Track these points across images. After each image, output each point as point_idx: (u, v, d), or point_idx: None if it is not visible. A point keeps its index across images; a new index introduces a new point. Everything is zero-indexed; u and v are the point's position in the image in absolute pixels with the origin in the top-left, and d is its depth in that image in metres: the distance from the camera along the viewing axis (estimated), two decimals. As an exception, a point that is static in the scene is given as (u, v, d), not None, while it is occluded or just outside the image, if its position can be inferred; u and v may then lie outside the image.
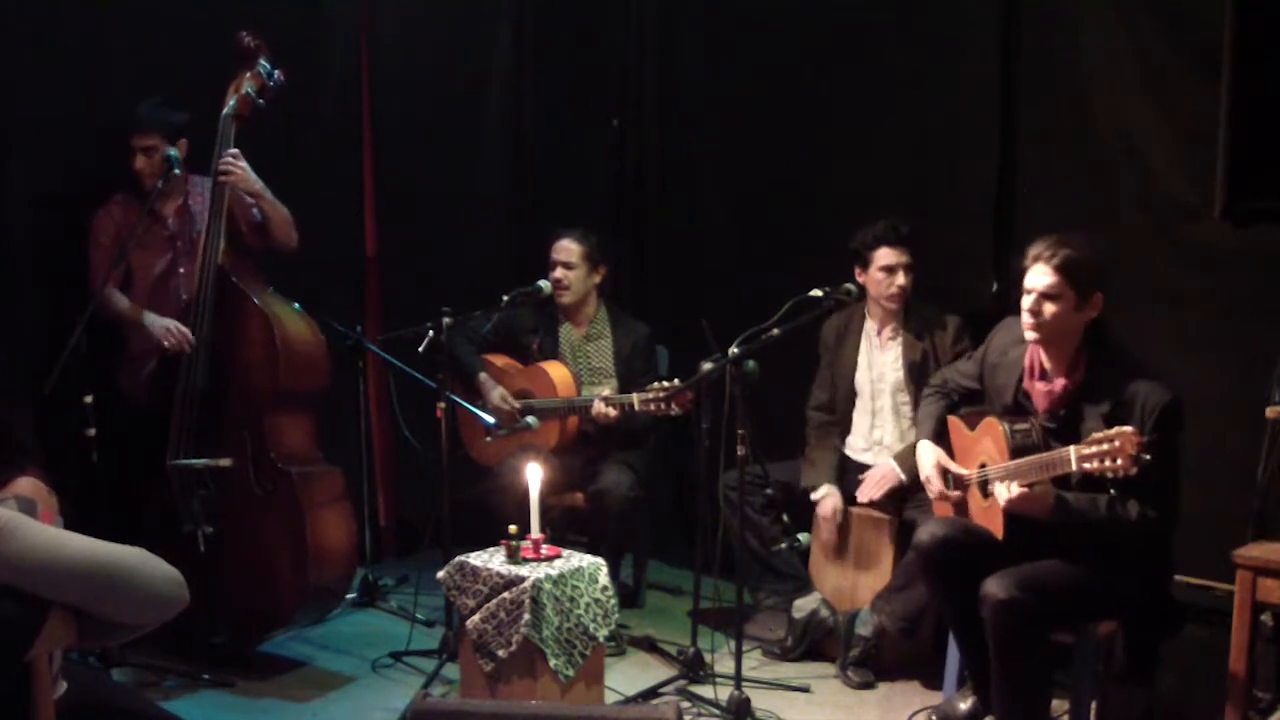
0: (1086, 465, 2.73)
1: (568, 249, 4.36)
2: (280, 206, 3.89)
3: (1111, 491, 2.87)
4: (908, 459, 3.77)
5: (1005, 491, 2.91)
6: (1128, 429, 2.67)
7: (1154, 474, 2.76)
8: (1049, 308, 2.96)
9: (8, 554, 1.72)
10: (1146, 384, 2.93)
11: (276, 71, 3.86)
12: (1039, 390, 3.07)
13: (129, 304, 3.85)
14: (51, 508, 1.99)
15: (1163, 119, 3.69)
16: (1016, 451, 3.00)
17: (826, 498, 3.94)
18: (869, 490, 3.85)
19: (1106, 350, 3.02)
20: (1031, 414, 3.09)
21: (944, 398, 3.44)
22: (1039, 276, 2.97)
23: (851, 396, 4.08)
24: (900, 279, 3.90)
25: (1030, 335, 3.03)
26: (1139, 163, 3.75)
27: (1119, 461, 2.66)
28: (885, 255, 3.90)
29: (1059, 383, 3.03)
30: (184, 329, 3.72)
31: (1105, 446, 2.68)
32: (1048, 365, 3.06)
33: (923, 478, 3.34)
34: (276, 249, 3.94)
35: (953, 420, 3.36)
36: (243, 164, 3.78)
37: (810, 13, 4.65)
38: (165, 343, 3.71)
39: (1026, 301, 2.99)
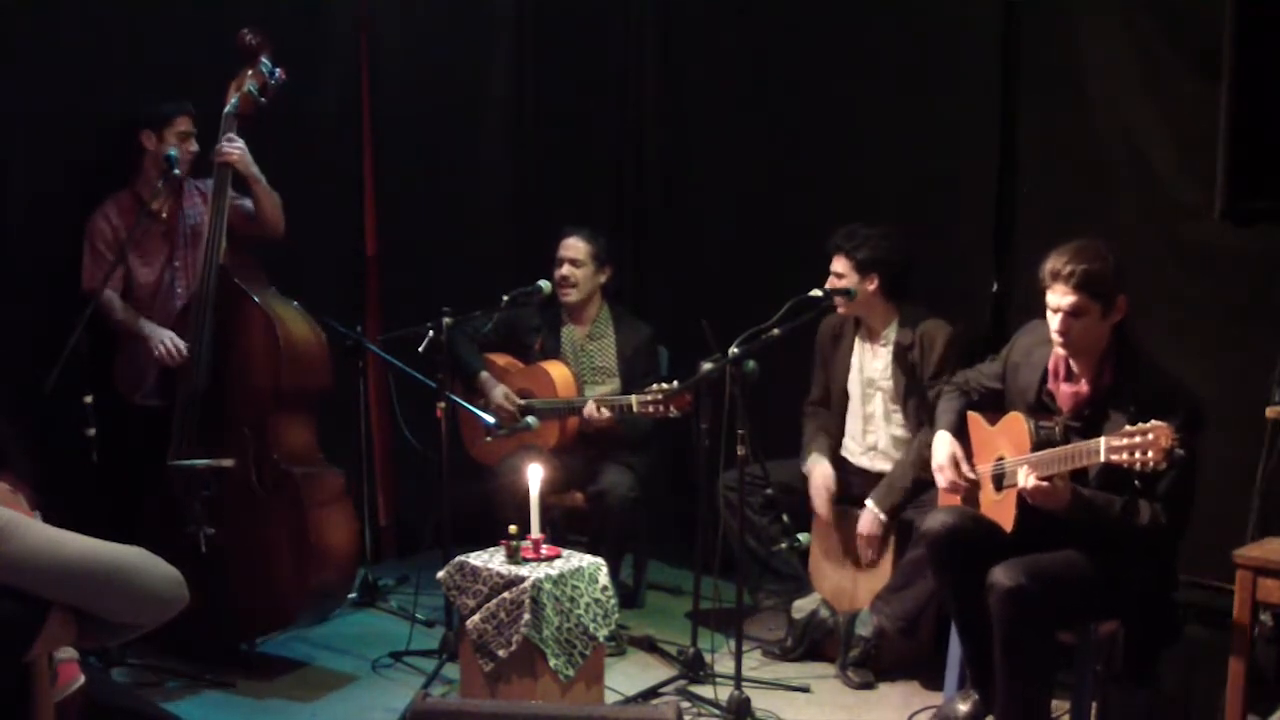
0: (1115, 457, 2.71)
1: (575, 246, 4.36)
2: (272, 193, 3.88)
3: (1137, 484, 2.86)
4: (885, 497, 3.78)
5: (1025, 477, 2.90)
6: (1163, 424, 2.65)
7: (1171, 479, 2.77)
8: (1078, 325, 2.95)
9: (8, 554, 1.72)
10: (1172, 387, 2.94)
11: (278, 70, 3.86)
12: (1064, 391, 3.07)
13: (124, 309, 3.84)
14: (18, 505, 1.96)
15: (1163, 119, 3.69)
16: (1040, 446, 2.99)
17: (816, 466, 3.95)
18: (868, 552, 3.84)
19: (1132, 351, 3.02)
20: (1056, 413, 3.09)
21: (964, 395, 3.43)
22: (1061, 296, 2.95)
23: (844, 399, 4.08)
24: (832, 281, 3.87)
25: (1062, 351, 3.04)
26: (1139, 163, 3.75)
27: (1149, 454, 2.64)
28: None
29: (1086, 384, 3.03)
30: (179, 342, 3.72)
31: (1138, 439, 2.67)
32: (1075, 367, 3.06)
33: (935, 466, 3.33)
34: (266, 236, 3.91)
35: (972, 415, 3.35)
36: (240, 144, 3.79)
37: (810, 13, 4.64)
38: (156, 351, 3.72)
39: (1054, 322, 2.99)
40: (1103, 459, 2.76)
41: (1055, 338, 3.01)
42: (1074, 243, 2.99)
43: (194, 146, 3.87)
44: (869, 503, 3.83)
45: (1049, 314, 3.01)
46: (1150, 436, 2.65)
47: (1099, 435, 2.82)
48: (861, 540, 3.85)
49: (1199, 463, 2.94)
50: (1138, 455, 2.67)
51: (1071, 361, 3.06)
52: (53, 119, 3.83)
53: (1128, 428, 2.71)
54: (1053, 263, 2.98)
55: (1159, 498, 2.88)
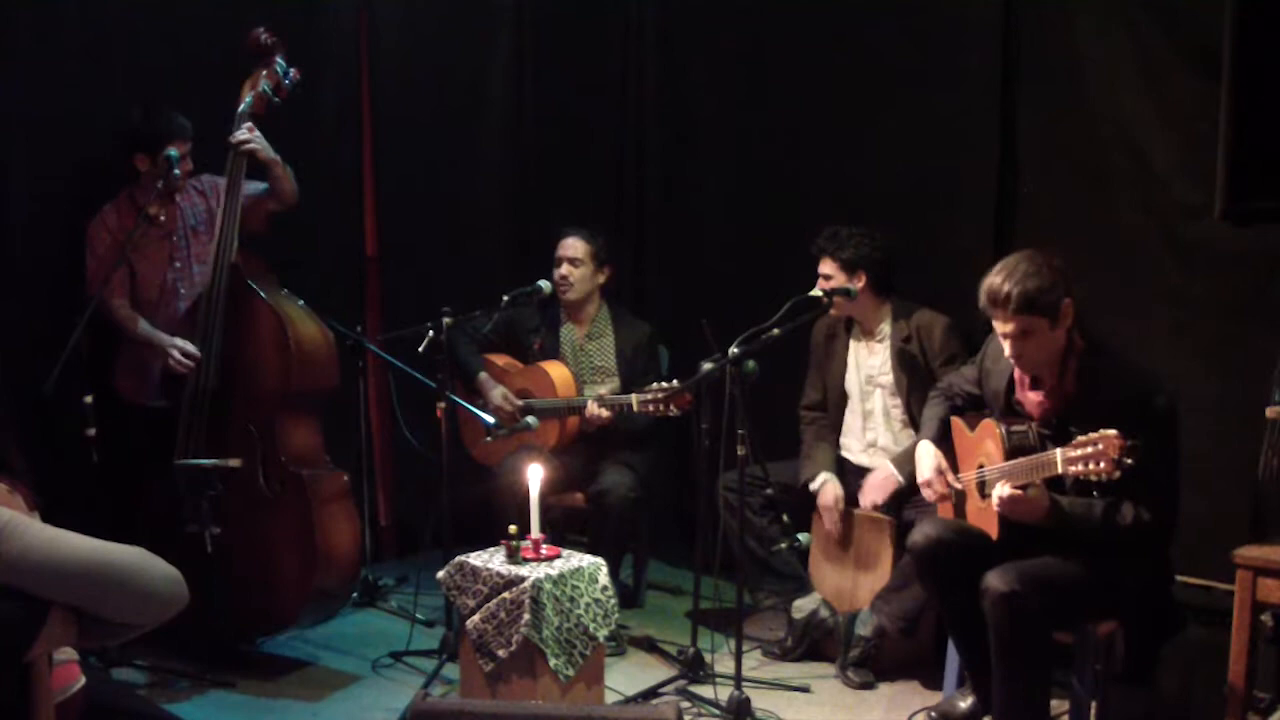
0: (1071, 468, 2.72)
1: (574, 246, 4.37)
2: (287, 167, 3.93)
3: (1095, 494, 2.86)
4: (905, 462, 3.77)
5: (999, 492, 2.90)
6: (1111, 433, 2.65)
7: (1149, 476, 2.75)
8: (1029, 344, 2.94)
9: (8, 554, 1.72)
10: (1141, 385, 2.92)
11: (292, 70, 3.87)
12: (1031, 400, 3.07)
13: (131, 315, 3.83)
14: (16, 505, 1.97)
15: (1163, 119, 3.69)
16: (1013, 453, 2.99)
17: (826, 484, 3.93)
18: (871, 496, 3.83)
19: (1093, 352, 2.99)
20: (1028, 419, 3.09)
21: (948, 400, 3.44)
22: (1003, 323, 2.94)
23: (843, 399, 4.08)
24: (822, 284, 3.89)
25: (1021, 370, 3.04)
26: (1139, 163, 3.75)
27: (1101, 465, 2.65)
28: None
29: (1050, 392, 3.02)
30: (189, 348, 3.71)
31: (1089, 450, 2.67)
32: (1038, 375, 3.06)
33: (920, 481, 3.33)
34: (283, 210, 3.96)
35: (955, 421, 3.36)
36: (258, 133, 3.82)
37: (810, 13, 4.65)
38: (170, 360, 3.72)
39: (1005, 347, 2.98)
40: (1060, 470, 2.77)
41: (1012, 361, 3.01)
42: (1006, 261, 2.95)
43: (189, 166, 3.86)
44: (887, 462, 3.83)
45: (1001, 340, 3.00)
46: (1100, 447, 2.65)
47: (1070, 438, 2.81)
48: (870, 485, 3.83)
49: (1185, 457, 2.94)
50: (1090, 466, 2.67)
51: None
52: (54, 120, 3.83)
53: (1079, 438, 2.71)
54: (987, 289, 2.93)
55: (1140, 496, 2.86)
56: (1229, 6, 3.10)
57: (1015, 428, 3.04)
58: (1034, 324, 2.90)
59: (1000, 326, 2.96)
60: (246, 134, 3.79)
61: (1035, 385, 3.06)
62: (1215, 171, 3.17)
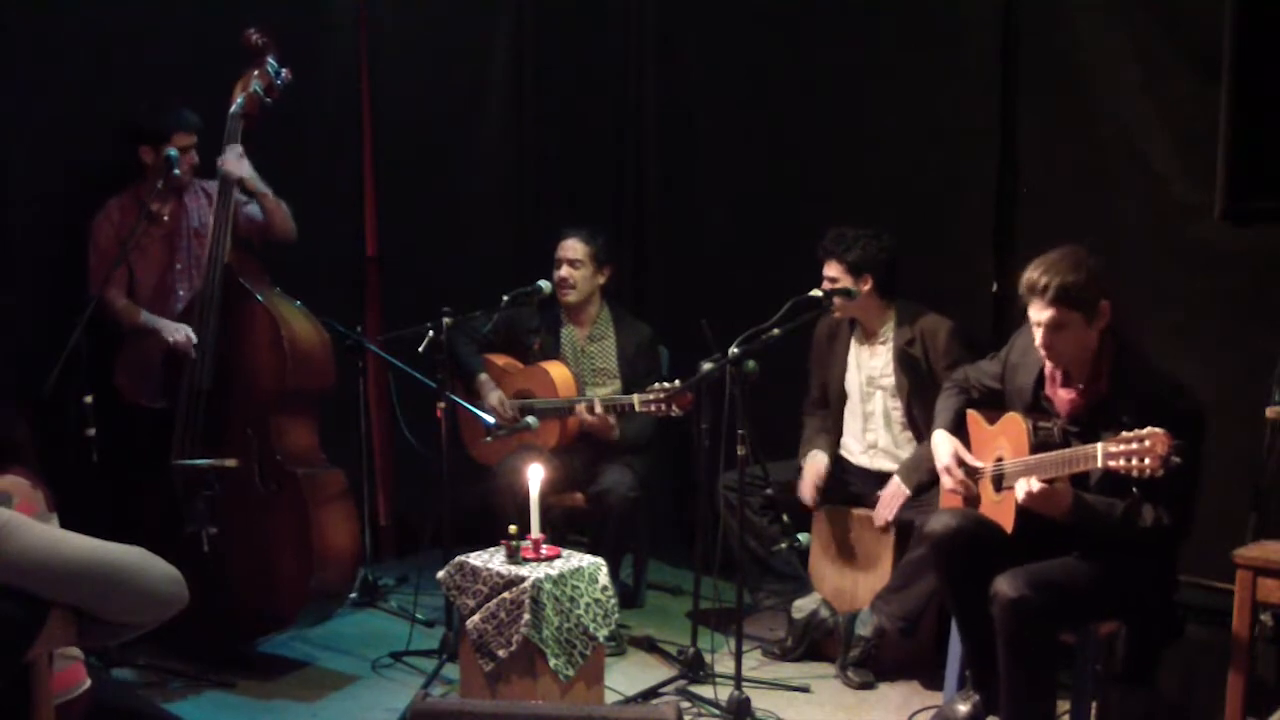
0: (1112, 463, 2.70)
1: (574, 247, 4.36)
2: (281, 203, 3.92)
3: (1135, 490, 2.84)
4: (911, 472, 3.76)
5: (1026, 486, 2.90)
6: (1159, 430, 2.63)
7: (1173, 482, 2.74)
8: (1061, 338, 2.94)
9: (8, 554, 1.72)
10: (1171, 391, 2.92)
11: (284, 70, 3.86)
12: (1061, 397, 3.06)
13: (131, 306, 3.83)
14: (36, 502, 1.98)
15: (1163, 119, 3.69)
16: (1038, 448, 2.98)
17: (811, 460, 3.95)
18: (885, 512, 3.82)
19: (1127, 354, 2.99)
20: (1054, 416, 3.08)
21: (963, 393, 3.42)
22: (1039, 312, 2.94)
23: (842, 398, 4.08)
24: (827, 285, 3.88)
25: (1051, 364, 3.03)
26: (1139, 163, 3.75)
27: (1147, 461, 2.63)
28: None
29: (1081, 390, 3.02)
30: (190, 334, 3.72)
31: (1135, 446, 2.65)
32: (1070, 372, 3.05)
33: (939, 468, 3.32)
34: (277, 242, 3.96)
35: (972, 413, 3.35)
36: (245, 163, 3.81)
37: (810, 13, 4.65)
38: (171, 339, 3.71)
39: (1037, 335, 2.98)
40: (1100, 465, 2.75)
41: (1041, 351, 3.01)
42: (1050, 254, 2.96)
43: (194, 159, 3.86)
44: (895, 477, 3.83)
45: (1033, 329, 3.00)
46: (1147, 443, 2.64)
47: (1097, 439, 2.80)
48: (884, 502, 3.82)
49: (1201, 464, 2.93)
50: (1134, 462, 2.65)
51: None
52: (54, 120, 3.83)
53: (1125, 434, 2.69)
54: (1028, 277, 2.95)
55: (1162, 500, 2.86)
56: (1229, 6, 3.10)
57: (1042, 424, 3.04)
58: (1069, 317, 2.91)
59: (1035, 315, 2.96)
60: (234, 161, 3.77)
61: (1067, 382, 3.05)
62: (1215, 171, 3.17)
